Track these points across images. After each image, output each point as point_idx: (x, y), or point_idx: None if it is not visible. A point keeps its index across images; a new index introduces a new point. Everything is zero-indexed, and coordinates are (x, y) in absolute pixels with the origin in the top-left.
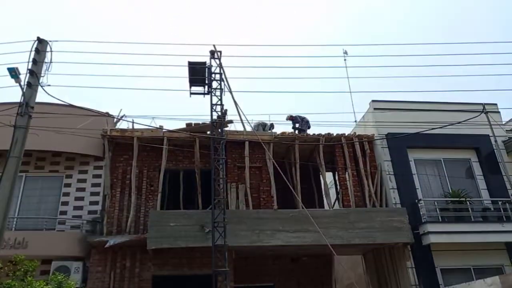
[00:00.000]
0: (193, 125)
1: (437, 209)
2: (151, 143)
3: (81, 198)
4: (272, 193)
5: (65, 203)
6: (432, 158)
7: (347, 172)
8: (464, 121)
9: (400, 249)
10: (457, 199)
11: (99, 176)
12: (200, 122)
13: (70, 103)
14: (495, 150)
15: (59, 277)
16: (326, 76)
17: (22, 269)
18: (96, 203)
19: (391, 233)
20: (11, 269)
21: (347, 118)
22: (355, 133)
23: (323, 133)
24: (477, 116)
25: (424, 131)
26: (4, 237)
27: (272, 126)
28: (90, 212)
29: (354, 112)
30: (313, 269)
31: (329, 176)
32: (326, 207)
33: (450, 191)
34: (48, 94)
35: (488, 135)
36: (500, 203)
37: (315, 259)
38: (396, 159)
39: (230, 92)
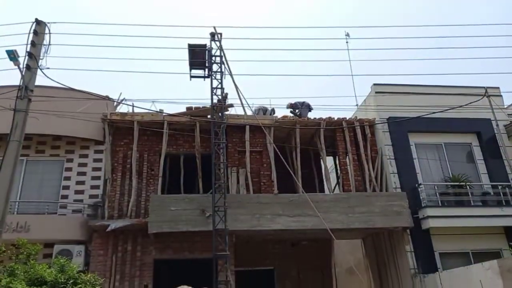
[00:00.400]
0: (193, 109)
1: (437, 193)
2: (152, 127)
3: (82, 182)
4: (272, 177)
5: (66, 187)
6: (433, 142)
7: (347, 157)
8: (465, 105)
9: (400, 233)
10: (457, 183)
11: (99, 160)
12: (201, 106)
13: (69, 86)
14: (496, 134)
15: (61, 261)
16: (328, 59)
17: (25, 253)
18: (97, 187)
19: (390, 217)
20: (14, 252)
21: (348, 102)
22: (356, 117)
23: (324, 117)
24: (479, 100)
25: (425, 115)
26: (6, 221)
27: (273, 111)
28: (91, 196)
29: (355, 96)
30: (312, 253)
31: (329, 160)
32: (327, 191)
33: (451, 175)
34: (47, 77)
35: (490, 119)
36: (500, 187)
37: (315, 243)
38: (397, 143)
39: (231, 75)
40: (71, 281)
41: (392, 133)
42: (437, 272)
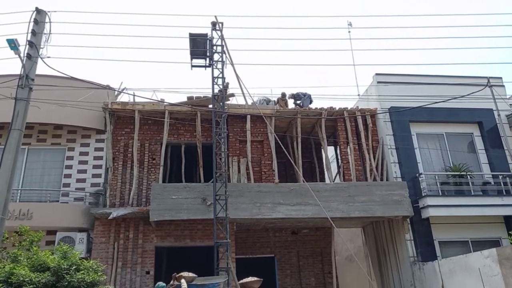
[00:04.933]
0: (194, 98)
1: (438, 183)
2: (153, 117)
3: (84, 171)
4: (273, 167)
5: (68, 176)
6: (434, 132)
7: (348, 146)
8: (467, 95)
9: (400, 222)
10: (458, 173)
11: (101, 149)
12: (202, 96)
13: (70, 75)
14: (498, 125)
15: (64, 247)
16: (330, 49)
17: (28, 239)
18: (99, 176)
19: (391, 206)
20: (17, 239)
21: (350, 92)
22: (357, 107)
23: (325, 107)
24: (481, 90)
25: (427, 104)
26: (9, 208)
27: (283, 94)
28: (93, 185)
29: (357, 86)
30: (313, 241)
31: (330, 150)
32: (327, 181)
33: (451, 165)
34: (48, 66)
35: (492, 109)
36: (500, 177)
37: (315, 232)
38: (398, 133)
39: (232, 64)
40: (73, 267)
41: (394, 123)
42: (436, 260)
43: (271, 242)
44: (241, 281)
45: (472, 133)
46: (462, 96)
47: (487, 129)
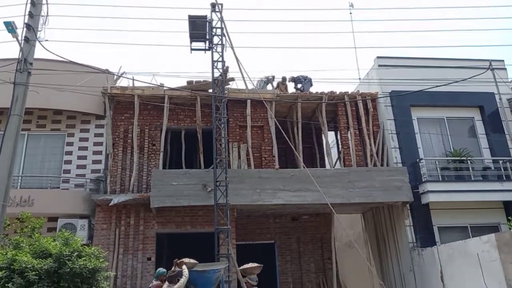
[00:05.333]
0: (194, 83)
1: (438, 168)
2: (152, 102)
3: (84, 157)
4: (273, 152)
5: (68, 162)
6: (435, 116)
7: (349, 132)
8: (469, 78)
9: (399, 207)
10: (458, 158)
11: (100, 135)
12: (201, 80)
13: (69, 59)
14: (499, 109)
15: (65, 234)
16: (331, 31)
17: (29, 226)
18: (99, 162)
19: (391, 192)
20: (18, 226)
21: (351, 76)
22: (358, 91)
23: (326, 91)
24: (483, 73)
25: (428, 88)
26: (10, 195)
27: (284, 79)
28: (93, 171)
29: (358, 69)
30: (313, 227)
31: (331, 135)
32: (328, 166)
33: (452, 150)
34: (46, 49)
35: (493, 93)
36: (501, 162)
37: (315, 218)
38: (399, 118)
39: (232, 47)
40: (75, 254)
41: (395, 108)
42: (435, 246)
43: (271, 228)
44: (241, 267)
45: (473, 118)
46: (464, 80)
47: (488, 113)
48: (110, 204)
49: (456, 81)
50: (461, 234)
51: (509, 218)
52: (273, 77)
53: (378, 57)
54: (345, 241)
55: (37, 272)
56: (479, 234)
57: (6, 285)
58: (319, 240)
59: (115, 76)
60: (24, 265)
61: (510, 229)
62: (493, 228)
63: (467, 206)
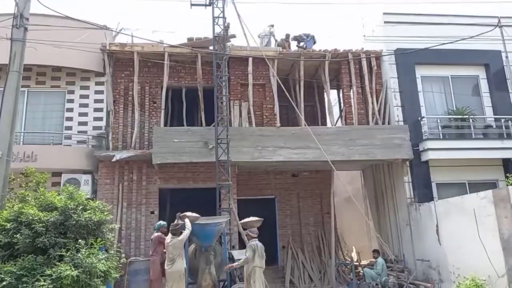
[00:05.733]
0: (194, 39)
1: (439, 126)
2: (152, 59)
3: (85, 114)
4: (275, 111)
5: (70, 119)
6: (439, 75)
7: (352, 90)
8: (476, 35)
9: (399, 164)
10: (460, 116)
11: (101, 92)
12: (202, 37)
13: (66, 15)
14: (505, 67)
15: (70, 188)
16: None
17: (34, 181)
18: (100, 119)
19: (391, 149)
20: (23, 180)
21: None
22: (362, 48)
23: (329, 49)
24: (491, 30)
25: (434, 46)
26: (13, 150)
27: (287, 36)
28: (94, 128)
29: (363, 26)
30: (313, 183)
31: (333, 94)
32: (329, 125)
33: (455, 109)
34: (42, 4)
35: (500, 50)
36: (503, 120)
37: (315, 174)
38: (403, 76)
39: (233, 3)
40: (80, 208)
41: (399, 66)
42: (433, 201)
43: (272, 184)
44: (242, 221)
45: (478, 76)
46: (471, 37)
47: (493, 71)
48: (113, 160)
49: (463, 39)
50: (459, 190)
51: (507, 175)
52: (272, 25)
53: (384, 13)
54: (344, 197)
55: (44, 225)
56: (476, 191)
57: (15, 236)
58: (318, 196)
59: (114, 33)
60: (31, 218)
61: (507, 185)
62: (491, 185)
63: (466, 164)
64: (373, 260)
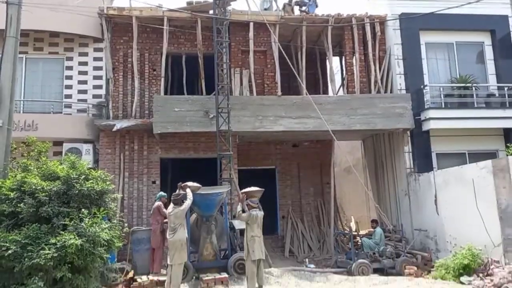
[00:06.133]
0: (194, 3)
1: (442, 95)
2: (151, 24)
3: (85, 82)
4: (276, 79)
5: (69, 87)
6: (444, 41)
7: (354, 57)
8: None
9: (400, 134)
10: (463, 84)
11: (100, 59)
12: (202, 0)
13: None
14: (511, 32)
15: (71, 158)
16: None
17: (36, 150)
18: (100, 87)
19: (392, 119)
20: (25, 149)
21: None
22: (366, 13)
23: (332, 13)
24: None
25: (440, 10)
26: (14, 119)
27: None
28: (94, 96)
29: None
30: (313, 153)
31: (335, 61)
32: (331, 93)
33: (458, 76)
34: None
35: (507, 15)
36: (506, 89)
37: (315, 144)
38: (407, 42)
39: None
40: (82, 177)
41: (403, 31)
42: (432, 171)
43: (273, 154)
44: (243, 191)
45: (483, 42)
46: (477, 1)
47: (499, 37)
48: (113, 130)
49: (470, 3)
50: (459, 160)
51: (508, 144)
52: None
53: None
54: (344, 167)
55: (47, 194)
56: (476, 161)
57: (19, 205)
58: (318, 166)
59: None
60: (34, 187)
61: (507, 155)
62: (491, 155)
63: (467, 133)
64: (372, 230)
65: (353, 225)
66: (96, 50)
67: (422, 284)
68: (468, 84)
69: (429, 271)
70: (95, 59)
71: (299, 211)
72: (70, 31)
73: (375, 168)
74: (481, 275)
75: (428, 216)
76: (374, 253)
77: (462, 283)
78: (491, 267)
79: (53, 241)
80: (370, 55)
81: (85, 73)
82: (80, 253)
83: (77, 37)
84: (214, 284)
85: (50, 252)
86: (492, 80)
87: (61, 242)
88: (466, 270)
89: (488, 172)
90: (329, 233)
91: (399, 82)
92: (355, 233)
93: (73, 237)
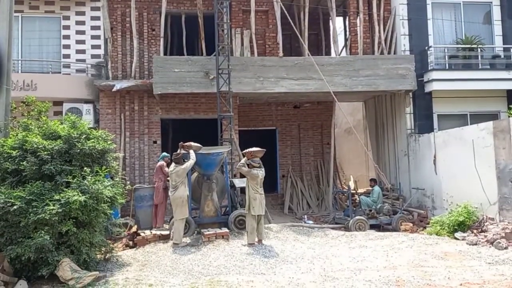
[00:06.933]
0: None
1: (446, 56)
2: None
3: (83, 42)
4: (278, 39)
5: (67, 47)
6: (451, 1)
7: (358, 17)
8: None
9: (402, 96)
10: (468, 46)
11: (97, 18)
12: None
13: None
14: None
15: (72, 118)
16: None
17: (36, 110)
18: (98, 47)
19: (395, 80)
20: (25, 109)
21: None
22: None
23: None
24: None
25: None
26: (12, 79)
27: None
28: (93, 56)
29: None
30: (314, 114)
31: (339, 22)
32: (333, 54)
33: (464, 37)
34: None
35: None
36: (511, 50)
37: (316, 106)
38: (413, 2)
39: None
40: (83, 136)
41: None
42: (432, 132)
43: (273, 115)
44: (244, 151)
45: (491, 2)
46: None
47: None
48: (113, 90)
49: None
50: (460, 121)
51: (510, 106)
52: None
53: None
54: (345, 128)
55: (48, 152)
56: (478, 122)
57: (21, 163)
58: (319, 127)
59: None
60: (35, 146)
61: (509, 117)
62: (492, 116)
63: (469, 95)
64: (370, 188)
65: (351, 184)
66: (93, 9)
67: (417, 239)
68: (473, 46)
69: (425, 228)
70: (93, 18)
71: (299, 170)
72: None
73: (376, 129)
74: (475, 231)
75: (426, 175)
76: (371, 210)
77: (456, 238)
78: (486, 224)
79: (57, 197)
80: (375, 15)
81: (83, 32)
82: (84, 209)
83: None
84: (215, 238)
85: (54, 208)
86: (499, 41)
87: (65, 199)
88: (461, 226)
89: (488, 133)
90: (328, 192)
91: (403, 43)
92: (354, 191)
93: (76, 194)
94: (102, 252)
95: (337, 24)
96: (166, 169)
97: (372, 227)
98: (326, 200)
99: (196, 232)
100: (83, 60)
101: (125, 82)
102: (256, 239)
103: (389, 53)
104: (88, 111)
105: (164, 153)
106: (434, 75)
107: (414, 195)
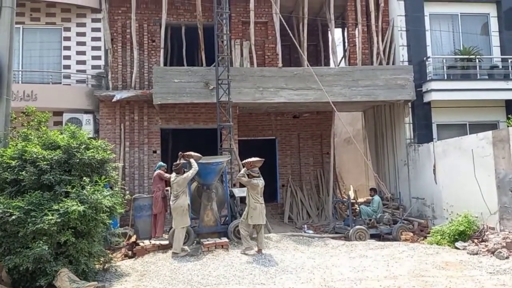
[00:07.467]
0: None
1: (445, 66)
2: None
3: (83, 53)
4: (277, 50)
5: (67, 58)
6: (449, 12)
7: (357, 28)
8: None
9: (401, 105)
10: (467, 56)
11: (98, 29)
12: None
13: None
14: None
15: (72, 128)
16: None
17: (35, 120)
18: (99, 58)
19: (394, 90)
20: (24, 119)
21: None
22: None
23: None
24: None
25: None
26: (13, 89)
27: None
28: (93, 67)
29: None
30: (313, 124)
31: (337, 33)
32: (332, 65)
33: (462, 48)
34: None
35: None
36: (509, 60)
37: (316, 115)
38: (411, 13)
39: None
40: (83, 146)
41: (407, 2)
42: (432, 142)
43: (273, 125)
44: (244, 161)
45: (488, 14)
46: None
47: (505, 9)
48: (113, 100)
49: None
50: (459, 131)
51: (509, 116)
52: None
53: None
54: (344, 138)
55: (48, 162)
56: (477, 132)
57: (20, 173)
58: (318, 137)
59: None
60: (35, 156)
61: (508, 126)
62: (492, 126)
63: (468, 105)
64: (370, 198)
65: (351, 193)
66: (94, 20)
67: (418, 249)
68: (471, 56)
69: (425, 237)
70: (93, 29)
71: (298, 180)
72: (67, 1)
73: (375, 138)
74: (476, 240)
75: (426, 185)
76: (371, 220)
77: (457, 248)
78: (486, 233)
79: (56, 207)
80: (373, 26)
81: (83, 43)
82: (83, 218)
83: (74, 7)
84: (215, 248)
85: (53, 217)
86: (496, 52)
87: (63, 209)
88: (462, 236)
89: (487, 142)
90: (328, 201)
91: (402, 53)
92: (354, 201)
93: (75, 203)
94: (101, 262)
95: (336, 35)
96: (166, 174)
97: (373, 236)
98: (326, 209)
99: (195, 242)
100: (84, 71)
101: (125, 92)
102: (256, 248)
103: (387, 63)
104: (88, 121)
105: (161, 163)
106: (433, 85)
107: (414, 205)
